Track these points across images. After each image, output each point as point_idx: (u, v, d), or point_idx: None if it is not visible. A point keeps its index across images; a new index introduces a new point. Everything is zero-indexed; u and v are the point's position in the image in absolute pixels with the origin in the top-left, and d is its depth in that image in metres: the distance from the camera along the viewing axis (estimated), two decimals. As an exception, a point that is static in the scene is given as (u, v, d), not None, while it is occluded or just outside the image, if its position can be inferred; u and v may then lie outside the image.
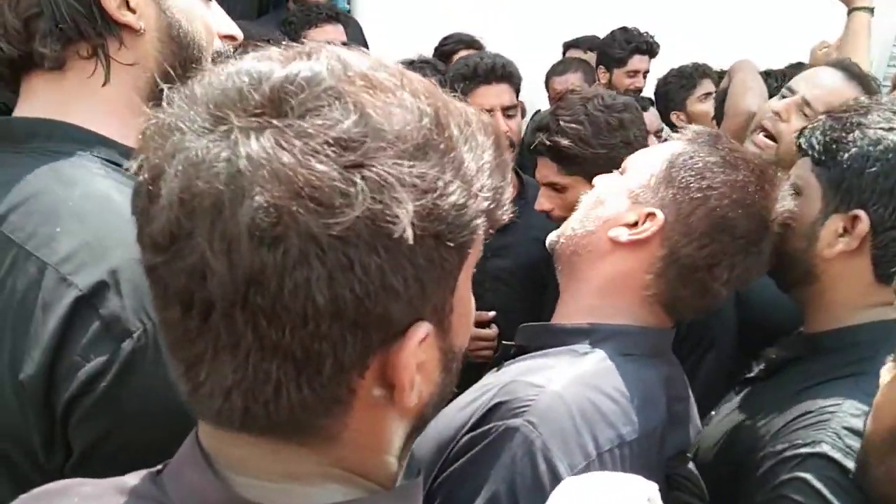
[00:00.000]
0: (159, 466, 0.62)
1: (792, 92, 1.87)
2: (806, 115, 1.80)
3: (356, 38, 3.63)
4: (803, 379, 1.19)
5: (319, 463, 0.57)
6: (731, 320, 1.75)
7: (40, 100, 0.91)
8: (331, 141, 0.48)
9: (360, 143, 0.49)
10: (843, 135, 1.18)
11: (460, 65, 2.20)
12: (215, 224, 0.47)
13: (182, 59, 0.96)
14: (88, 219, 0.81)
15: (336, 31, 3.09)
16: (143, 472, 0.62)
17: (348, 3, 4.40)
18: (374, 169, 0.49)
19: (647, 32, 3.35)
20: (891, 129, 1.16)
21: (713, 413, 1.44)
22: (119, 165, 0.89)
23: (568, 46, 3.69)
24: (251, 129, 0.48)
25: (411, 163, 0.50)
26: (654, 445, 1.05)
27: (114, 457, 0.78)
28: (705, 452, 1.29)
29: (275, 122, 0.48)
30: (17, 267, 0.79)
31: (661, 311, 1.12)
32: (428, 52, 3.41)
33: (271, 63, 0.52)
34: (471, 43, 3.30)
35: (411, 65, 2.63)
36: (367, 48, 3.97)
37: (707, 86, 3.01)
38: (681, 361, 1.24)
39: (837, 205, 1.18)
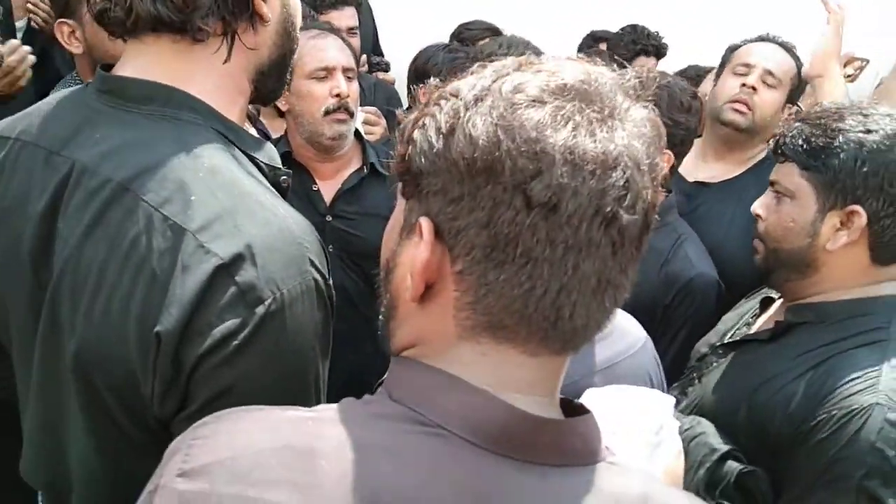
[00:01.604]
0: (378, 396, 0.69)
1: (748, 66, 2.21)
2: (768, 85, 2.19)
3: (366, 21, 3.59)
4: (814, 345, 1.35)
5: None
6: (709, 309, 1.83)
7: (161, 65, 0.94)
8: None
9: None
10: (829, 141, 1.36)
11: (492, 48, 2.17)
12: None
13: (286, 51, 1.03)
14: (218, 193, 0.87)
15: (343, 16, 3.01)
16: (369, 400, 0.68)
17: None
18: None
19: (656, 33, 3.33)
20: (869, 132, 1.34)
21: (694, 375, 1.58)
22: (226, 138, 0.94)
23: (597, 39, 3.65)
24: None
25: None
26: None
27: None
28: (718, 414, 1.40)
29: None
30: (152, 228, 0.85)
31: None
32: (440, 36, 3.39)
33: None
34: (496, 31, 3.27)
35: (447, 49, 2.63)
36: (377, 31, 3.95)
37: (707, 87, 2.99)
38: (656, 340, 1.35)
39: (833, 203, 1.36)
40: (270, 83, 1.03)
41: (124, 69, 0.96)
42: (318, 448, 0.63)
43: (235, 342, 0.83)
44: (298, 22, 1.04)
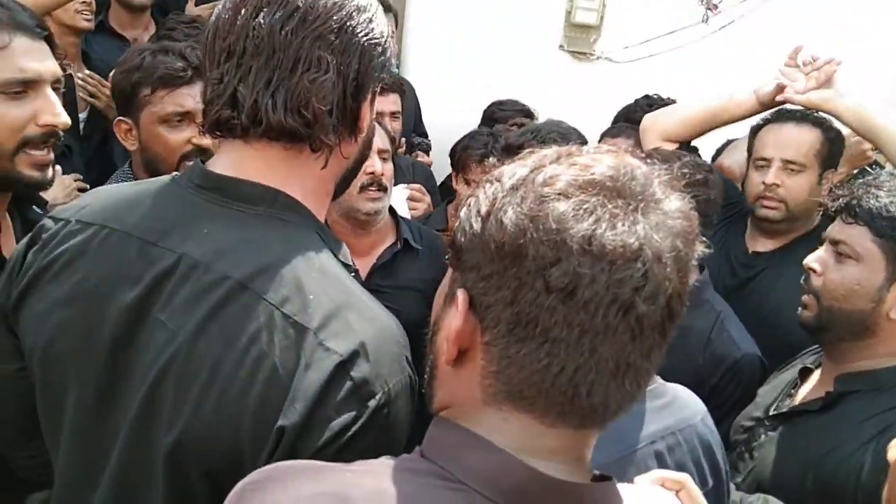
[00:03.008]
0: (412, 454, 0.75)
1: (766, 161, 2.16)
2: (791, 171, 2.14)
3: (411, 101, 3.69)
4: (874, 412, 1.38)
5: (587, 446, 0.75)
6: (757, 383, 1.83)
7: (267, 168, 0.99)
8: None
9: None
10: None
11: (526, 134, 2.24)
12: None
13: (364, 157, 1.10)
14: (329, 291, 0.92)
15: (387, 102, 3.08)
16: (405, 458, 0.75)
17: (397, 67, 4.51)
18: None
19: (668, 98, 3.35)
20: None
21: (743, 449, 1.58)
22: (321, 239, 0.99)
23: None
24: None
25: None
26: None
27: None
28: (784, 487, 1.42)
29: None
30: (273, 326, 0.88)
31: None
32: (474, 115, 3.48)
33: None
34: (528, 113, 3.36)
35: (490, 134, 2.78)
36: (419, 111, 4.05)
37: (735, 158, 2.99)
38: None
39: None
40: (345, 185, 1.10)
41: (222, 167, 0.99)
42: (352, 496, 0.69)
43: (348, 434, 0.86)
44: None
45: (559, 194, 0.67)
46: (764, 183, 2.15)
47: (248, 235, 0.95)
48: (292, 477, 0.72)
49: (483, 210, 0.71)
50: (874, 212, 1.43)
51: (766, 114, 2.23)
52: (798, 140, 2.15)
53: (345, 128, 1.00)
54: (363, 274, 2.11)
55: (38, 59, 1.35)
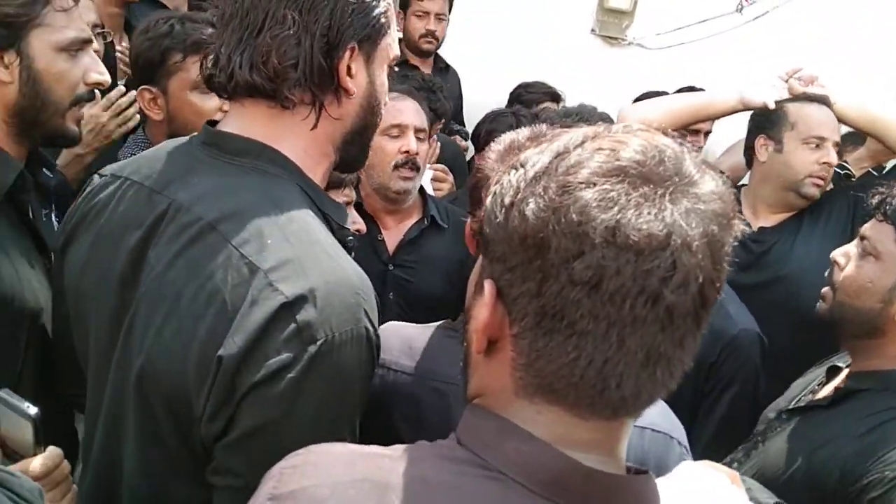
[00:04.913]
0: (448, 440, 0.75)
1: (822, 140, 2.24)
2: (836, 153, 2.26)
3: (455, 88, 3.71)
4: (875, 410, 1.40)
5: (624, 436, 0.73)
6: (754, 364, 1.87)
7: (257, 125, 1.06)
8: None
9: None
10: None
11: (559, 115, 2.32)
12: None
13: (369, 124, 1.12)
14: (291, 239, 0.96)
15: (434, 4, 3.24)
16: (440, 444, 0.75)
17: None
18: None
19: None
20: None
21: (759, 439, 1.61)
22: (306, 194, 1.05)
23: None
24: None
25: None
26: None
27: (264, 448, 0.90)
28: (778, 475, 1.45)
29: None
30: (230, 264, 0.95)
31: None
32: (505, 97, 3.51)
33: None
34: (555, 96, 3.36)
35: (513, 114, 2.77)
36: (462, 99, 4.01)
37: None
38: (702, 397, 1.37)
39: None
40: (353, 151, 1.13)
41: (227, 126, 1.08)
42: (391, 483, 0.69)
43: (289, 375, 0.90)
44: (384, 99, 1.13)
45: (582, 183, 0.65)
46: (826, 163, 2.24)
47: (225, 183, 1.02)
48: (329, 461, 0.73)
49: (507, 200, 0.69)
50: None
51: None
52: (837, 125, 2.28)
53: (318, 87, 1.03)
54: (391, 248, 2.19)
55: (85, 20, 1.43)
